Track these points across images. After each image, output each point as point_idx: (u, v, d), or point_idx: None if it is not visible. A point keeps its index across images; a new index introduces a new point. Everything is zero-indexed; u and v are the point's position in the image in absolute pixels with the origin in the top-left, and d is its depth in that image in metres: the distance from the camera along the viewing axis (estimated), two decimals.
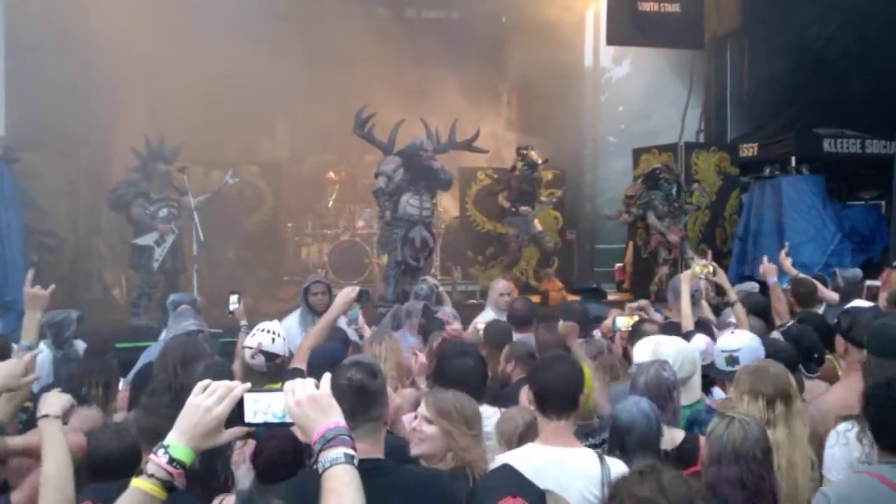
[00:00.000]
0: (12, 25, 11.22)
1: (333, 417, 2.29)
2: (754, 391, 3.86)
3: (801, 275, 8.26)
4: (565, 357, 4.16)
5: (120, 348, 7.35)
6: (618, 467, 3.58)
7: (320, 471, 2.21)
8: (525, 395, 4.21)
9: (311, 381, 2.35)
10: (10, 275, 10.02)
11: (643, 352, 4.67)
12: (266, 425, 2.39)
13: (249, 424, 2.34)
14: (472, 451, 3.66)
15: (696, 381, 4.65)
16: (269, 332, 5.25)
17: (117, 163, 12.09)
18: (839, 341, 4.83)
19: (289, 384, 2.32)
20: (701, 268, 6.76)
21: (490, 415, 4.36)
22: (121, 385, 5.48)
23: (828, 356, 5.57)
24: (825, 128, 13.36)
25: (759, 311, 6.89)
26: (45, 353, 6.49)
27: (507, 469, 3.46)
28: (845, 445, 3.66)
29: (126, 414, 4.68)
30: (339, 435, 2.25)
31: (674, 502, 2.43)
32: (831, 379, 5.26)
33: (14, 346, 5.13)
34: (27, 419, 4.27)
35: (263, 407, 2.32)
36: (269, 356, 5.16)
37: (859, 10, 12.17)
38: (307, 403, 2.29)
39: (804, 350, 5.24)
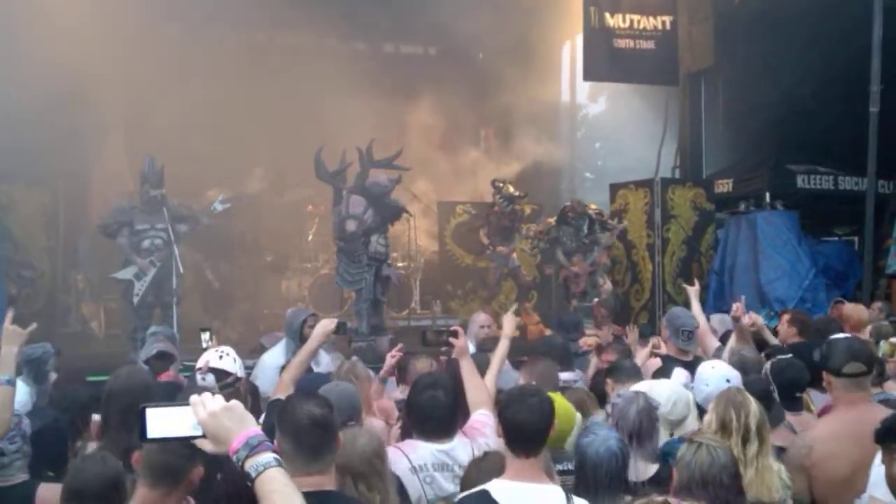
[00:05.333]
0: None
1: (252, 426, 2.29)
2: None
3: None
4: (536, 390, 3.94)
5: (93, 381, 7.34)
6: None
7: (252, 475, 2.20)
8: (495, 428, 4.08)
9: (218, 396, 2.33)
10: None
11: None
12: (167, 440, 2.35)
13: (151, 440, 2.30)
14: None
15: (691, 423, 4.59)
16: (216, 350, 5.24)
17: (95, 195, 12.03)
18: (825, 375, 4.66)
19: (194, 398, 2.30)
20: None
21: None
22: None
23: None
24: (798, 164, 13.55)
25: None
26: (24, 389, 6.45)
27: (482, 494, 3.51)
28: None
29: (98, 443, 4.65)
30: (263, 441, 2.26)
31: None
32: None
33: None
34: None
35: (167, 422, 2.27)
36: (219, 374, 5.10)
37: (831, 47, 12.37)
38: (222, 414, 2.27)
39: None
